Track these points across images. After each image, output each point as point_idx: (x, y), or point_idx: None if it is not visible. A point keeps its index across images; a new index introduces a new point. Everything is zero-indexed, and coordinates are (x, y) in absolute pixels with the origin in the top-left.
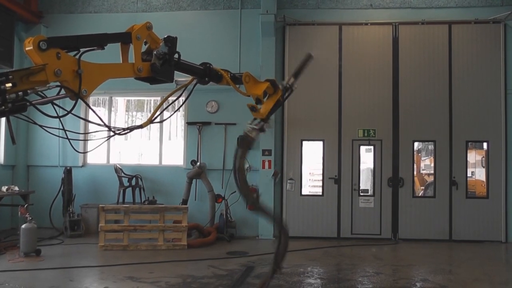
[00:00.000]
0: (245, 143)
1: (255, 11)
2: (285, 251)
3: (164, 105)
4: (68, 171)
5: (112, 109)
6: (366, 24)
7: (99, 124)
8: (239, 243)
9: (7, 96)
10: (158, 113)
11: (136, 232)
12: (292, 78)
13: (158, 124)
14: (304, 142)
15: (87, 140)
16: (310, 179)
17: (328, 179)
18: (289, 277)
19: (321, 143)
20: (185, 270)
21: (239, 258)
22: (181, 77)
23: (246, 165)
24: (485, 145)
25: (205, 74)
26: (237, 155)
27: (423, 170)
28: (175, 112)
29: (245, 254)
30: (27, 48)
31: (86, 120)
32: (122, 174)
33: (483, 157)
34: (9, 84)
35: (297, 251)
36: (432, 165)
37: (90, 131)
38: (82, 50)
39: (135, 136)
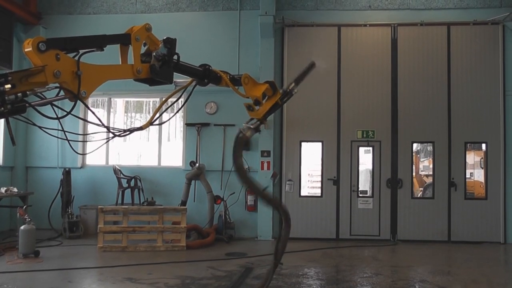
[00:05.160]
0: (239, 142)
1: (254, 13)
2: (285, 245)
3: (164, 107)
4: (67, 172)
5: (111, 110)
6: (365, 25)
7: (98, 125)
8: (238, 244)
9: (6, 98)
10: (157, 115)
11: (135, 233)
12: (293, 83)
13: (158, 125)
14: (303, 143)
15: (86, 141)
16: (309, 180)
17: (327, 180)
18: (288, 278)
19: (320, 144)
20: (184, 271)
21: (238, 259)
22: (180, 78)
23: (245, 166)
24: (483, 146)
25: (204, 75)
26: (234, 155)
27: (422, 171)
28: (174, 114)
29: (244, 255)
30: (26, 50)
31: (86, 121)
32: (121, 175)
33: (482, 158)
34: (8, 86)
35: (296, 252)
36: (431, 166)
37: (89, 132)
38: (81, 51)
39: (134, 137)
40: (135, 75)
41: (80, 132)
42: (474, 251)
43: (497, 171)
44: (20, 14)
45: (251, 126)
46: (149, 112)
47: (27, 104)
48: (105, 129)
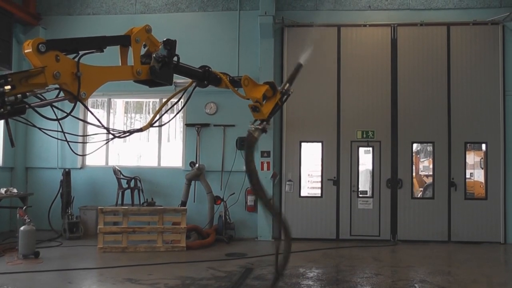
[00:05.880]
0: (250, 143)
1: (254, 13)
2: (288, 259)
3: (163, 109)
4: (66, 173)
5: (111, 111)
6: (365, 25)
7: (98, 126)
8: (238, 244)
9: (5, 99)
10: (157, 117)
11: (135, 234)
12: (287, 84)
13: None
14: (303, 144)
15: (86, 142)
16: (309, 181)
17: (327, 181)
18: (288, 279)
19: (319, 144)
20: (184, 272)
21: (238, 260)
22: (180, 79)
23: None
24: (483, 146)
25: (204, 77)
26: (247, 158)
27: (421, 171)
28: (174, 117)
29: (244, 256)
30: (26, 51)
31: (86, 122)
32: (121, 176)
33: (482, 158)
34: (8, 87)
35: (296, 253)
36: (431, 166)
37: (89, 133)
38: (81, 52)
39: (134, 138)
40: (135, 76)
41: (80, 133)
42: (474, 251)
43: (497, 171)
44: (19, 15)
45: (259, 127)
46: (149, 113)
47: (26, 105)
48: (104, 130)
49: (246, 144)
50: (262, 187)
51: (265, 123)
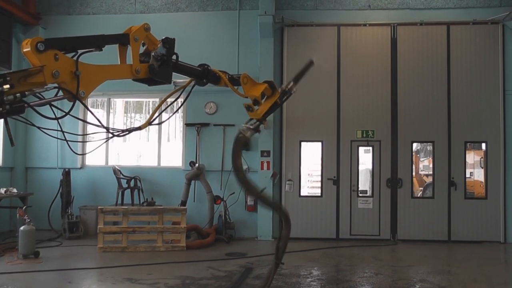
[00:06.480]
0: (239, 142)
1: (253, 12)
2: (286, 245)
3: (163, 107)
4: (66, 173)
5: (111, 110)
6: (365, 25)
7: (97, 126)
8: (238, 244)
9: (5, 98)
10: (156, 114)
11: (134, 233)
12: (292, 82)
13: (157, 125)
14: (302, 143)
15: (86, 141)
16: (309, 180)
17: (326, 180)
18: (288, 278)
19: (319, 144)
20: (184, 272)
21: (238, 259)
22: (180, 79)
23: (245, 166)
24: (483, 145)
25: (203, 75)
26: (233, 155)
27: (421, 170)
28: (173, 113)
29: (244, 255)
30: (25, 50)
31: (85, 121)
32: (121, 176)
33: (482, 157)
34: (7, 86)
35: (296, 252)
36: (431, 165)
37: (88, 132)
38: (80, 51)
39: (134, 138)
40: (133, 75)
41: (80, 132)
42: (474, 250)
43: (497, 171)
44: (19, 15)
45: (251, 127)
46: (148, 112)
47: (25, 105)
48: (104, 129)
49: (234, 143)
50: (249, 181)
51: (258, 122)
